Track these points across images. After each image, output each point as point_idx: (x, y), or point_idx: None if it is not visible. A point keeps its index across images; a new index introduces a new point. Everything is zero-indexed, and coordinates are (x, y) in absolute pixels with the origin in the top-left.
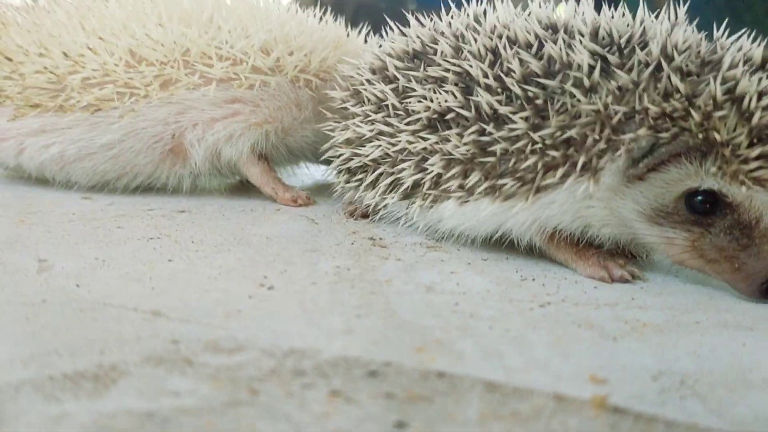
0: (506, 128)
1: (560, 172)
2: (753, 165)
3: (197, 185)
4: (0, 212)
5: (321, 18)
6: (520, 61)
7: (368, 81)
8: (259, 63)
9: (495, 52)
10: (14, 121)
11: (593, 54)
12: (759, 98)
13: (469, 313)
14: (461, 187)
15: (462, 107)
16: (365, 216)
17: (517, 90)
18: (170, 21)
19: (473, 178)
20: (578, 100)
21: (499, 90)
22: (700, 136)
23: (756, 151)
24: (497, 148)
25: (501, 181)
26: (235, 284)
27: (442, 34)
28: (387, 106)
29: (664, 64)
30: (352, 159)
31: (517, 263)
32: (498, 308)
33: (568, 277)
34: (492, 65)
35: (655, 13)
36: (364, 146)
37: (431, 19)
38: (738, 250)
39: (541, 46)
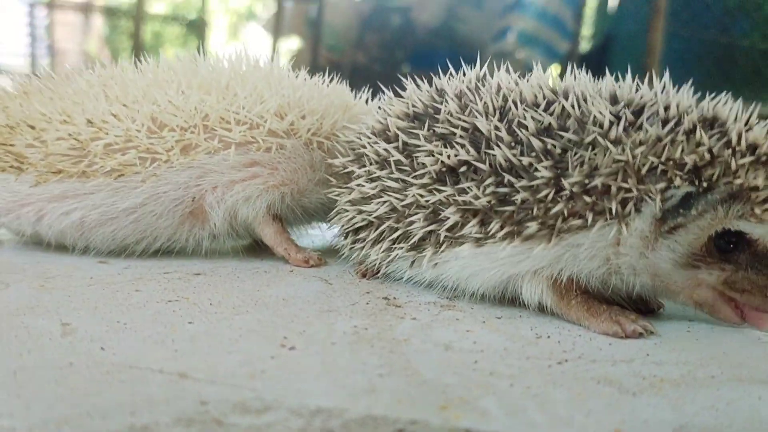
0: (526, 178)
1: (589, 217)
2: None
3: (212, 248)
4: (19, 277)
5: (329, 83)
6: (532, 116)
7: (370, 143)
8: (274, 126)
9: (503, 108)
10: (36, 187)
11: (611, 110)
12: None
13: (488, 371)
14: (479, 232)
15: (476, 160)
16: (376, 274)
17: (535, 142)
18: (189, 88)
19: (494, 225)
20: (600, 153)
21: (512, 143)
22: (736, 182)
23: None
24: (518, 197)
25: (522, 226)
26: (256, 345)
27: (444, 93)
28: (391, 163)
29: (686, 119)
30: (356, 218)
31: (531, 321)
32: (517, 366)
33: (583, 335)
34: (501, 120)
35: (646, 76)
36: (369, 204)
37: (426, 82)
38: (765, 278)
39: (549, 104)
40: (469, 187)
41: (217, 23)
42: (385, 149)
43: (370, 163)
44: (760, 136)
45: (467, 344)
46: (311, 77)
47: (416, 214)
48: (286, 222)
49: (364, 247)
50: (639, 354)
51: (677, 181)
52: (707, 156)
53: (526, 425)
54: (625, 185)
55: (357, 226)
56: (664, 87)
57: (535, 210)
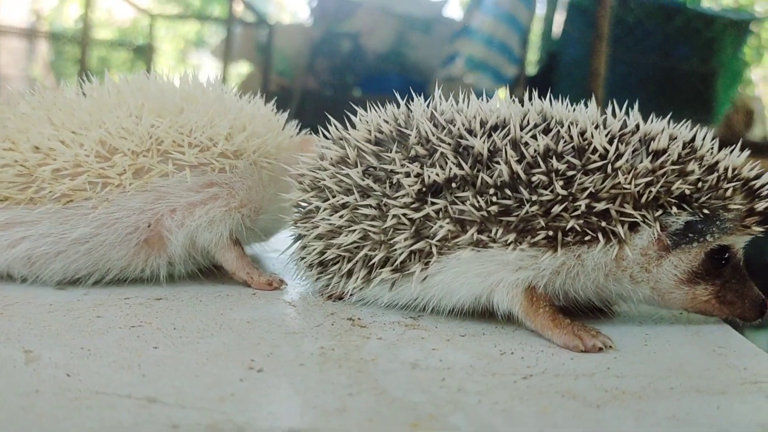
0: (535, 194)
1: (597, 234)
2: (750, 219)
3: (171, 272)
4: None
5: (272, 107)
6: (535, 137)
7: (329, 174)
8: (225, 148)
9: (485, 128)
10: None
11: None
12: (750, 169)
13: (456, 388)
14: (479, 238)
15: (468, 176)
16: (341, 297)
17: (540, 161)
18: (140, 111)
19: (495, 231)
20: (599, 180)
21: (517, 159)
22: (733, 207)
23: (758, 207)
24: (524, 210)
25: (527, 233)
26: (224, 368)
27: (407, 118)
28: (359, 189)
29: (676, 152)
30: (326, 252)
31: (494, 338)
32: (483, 382)
33: (545, 350)
34: (490, 138)
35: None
36: (338, 236)
37: (379, 107)
38: (743, 287)
39: (535, 126)
40: (462, 198)
41: (165, 49)
42: (348, 175)
43: (333, 195)
44: (735, 160)
45: (434, 362)
46: (256, 100)
47: (398, 235)
48: (243, 242)
49: (333, 277)
50: (600, 368)
51: (674, 210)
52: (698, 184)
53: None
54: (624, 210)
55: (327, 259)
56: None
57: (541, 221)
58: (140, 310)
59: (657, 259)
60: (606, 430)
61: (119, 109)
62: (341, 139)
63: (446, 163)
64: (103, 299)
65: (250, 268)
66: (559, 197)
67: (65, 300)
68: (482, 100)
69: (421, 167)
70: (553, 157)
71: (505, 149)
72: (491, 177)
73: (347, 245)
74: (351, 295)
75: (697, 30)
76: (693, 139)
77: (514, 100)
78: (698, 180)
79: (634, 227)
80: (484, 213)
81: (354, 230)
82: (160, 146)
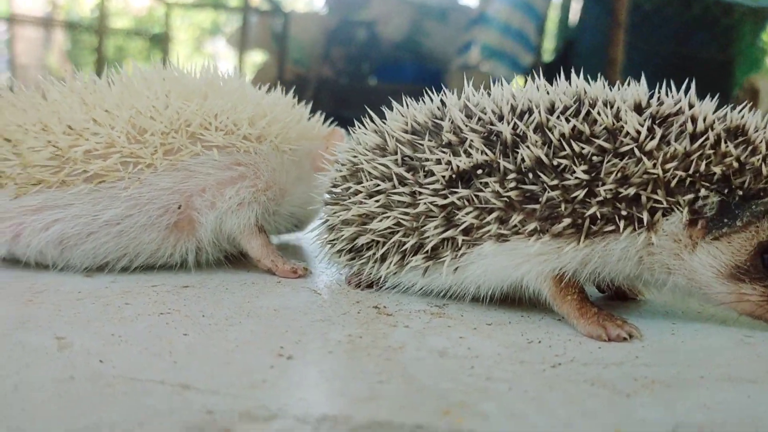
0: (558, 178)
1: (622, 223)
2: None
3: (197, 260)
4: (6, 293)
5: (291, 97)
6: (565, 120)
7: (367, 159)
8: (248, 132)
9: (515, 113)
10: (15, 200)
11: (639, 122)
12: None
13: (485, 376)
14: (500, 229)
15: (492, 162)
16: (370, 286)
17: (566, 145)
18: (168, 95)
19: (515, 220)
20: (632, 164)
21: (540, 143)
22: None
23: None
24: (545, 196)
25: (550, 223)
26: (253, 355)
27: (441, 108)
28: (393, 177)
29: (711, 133)
30: (359, 237)
31: (520, 327)
32: (512, 371)
33: (572, 339)
34: (520, 122)
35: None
36: (372, 221)
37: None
38: None
39: (566, 109)
40: (485, 185)
41: (181, 38)
42: (385, 164)
43: (369, 179)
44: None
45: (461, 350)
46: (277, 91)
47: (429, 222)
48: (274, 230)
49: (366, 263)
50: (629, 357)
51: (703, 192)
52: (735, 164)
53: (528, 428)
54: (654, 196)
55: (359, 244)
56: (688, 97)
57: (564, 208)
58: (168, 298)
59: (691, 246)
60: (637, 418)
61: (147, 93)
62: (378, 131)
63: (474, 150)
64: (131, 287)
65: (275, 255)
66: (582, 182)
67: (93, 287)
68: (510, 85)
69: (452, 155)
70: (579, 140)
71: (529, 133)
72: (514, 162)
73: (381, 230)
74: (384, 281)
75: (715, 17)
76: (741, 122)
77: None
78: (737, 160)
79: (664, 212)
80: (505, 199)
81: (388, 216)
82: (188, 128)
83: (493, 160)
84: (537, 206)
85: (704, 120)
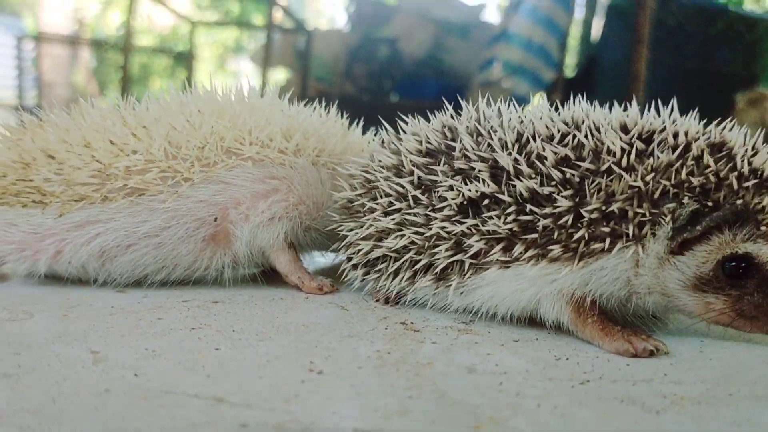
0: (549, 207)
1: (608, 241)
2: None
3: (228, 277)
4: (41, 307)
5: (327, 112)
6: (551, 149)
7: (382, 177)
8: (283, 146)
9: (521, 142)
10: (59, 218)
11: (623, 139)
12: None
13: (514, 392)
14: (504, 256)
15: (498, 192)
16: (397, 302)
17: (554, 173)
18: (202, 113)
19: (517, 248)
20: (615, 180)
21: (533, 175)
22: (739, 202)
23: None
24: (540, 224)
25: (546, 249)
26: (284, 370)
27: (455, 130)
28: (408, 197)
29: (694, 146)
30: (373, 251)
31: (547, 344)
32: (541, 387)
33: (600, 356)
34: (520, 153)
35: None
36: (386, 238)
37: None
38: None
39: (563, 136)
40: (490, 217)
41: (205, 55)
42: (400, 184)
43: (384, 196)
44: (764, 161)
45: (490, 366)
46: (314, 107)
47: (439, 245)
48: (307, 247)
49: (380, 277)
50: (657, 374)
51: (686, 200)
52: (713, 179)
53: None
54: (640, 210)
55: (374, 257)
56: (671, 114)
57: (557, 235)
58: (199, 313)
59: (666, 261)
60: None
61: (183, 111)
62: (394, 149)
63: (480, 180)
64: (162, 302)
65: (302, 272)
66: (569, 207)
67: (126, 303)
68: (522, 107)
69: (462, 182)
70: (567, 166)
71: (525, 165)
72: (514, 194)
73: (395, 248)
74: (402, 296)
75: (739, 32)
76: (724, 137)
77: (551, 107)
78: (715, 174)
79: (651, 225)
80: (508, 230)
81: (403, 234)
82: (222, 143)
83: (495, 191)
84: (535, 235)
85: (686, 134)
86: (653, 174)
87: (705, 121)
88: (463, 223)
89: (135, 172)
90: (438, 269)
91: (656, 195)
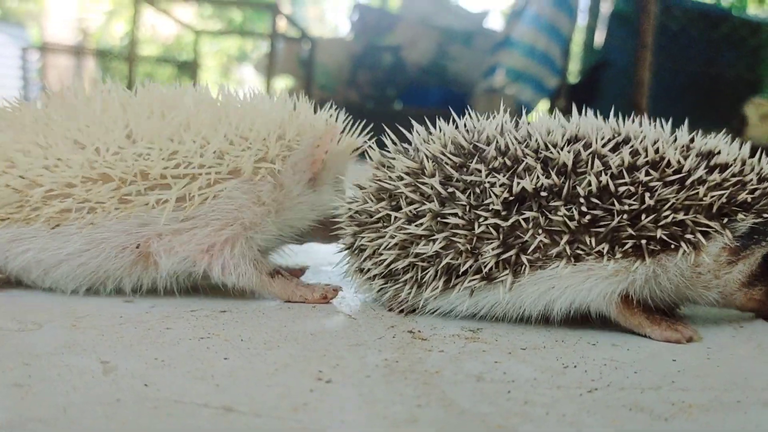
0: (625, 203)
1: (674, 244)
2: None
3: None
4: (49, 317)
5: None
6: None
7: (407, 184)
8: (216, 172)
9: (574, 140)
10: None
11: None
12: None
13: (522, 400)
14: (571, 249)
15: (557, 187)
16: (413, 311)
17: (626, 174)
18: (135, 137)
19: (585, 243)
20: (681, 192)
21: (603, 172)
22: None
23: None
24: (618, 219)
25: (617, 243)
26: (293, 379)
27: (480, 132)
28: (439, 199)
29: (738, 165)
30: (395, 262)
31: (555, 351)
32: (549, 395)
33: (608, 364)
34: (577, 152)
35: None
36: (410, 247)
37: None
38: None
39: (618, 145)
40: (555, 208)
41: (208, 64)
42: (431, 185)
43: (405, 205)
44: None
45: (498, 375)
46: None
47: (485, 244)
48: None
49: (403, 287)
50: (665, 381)
51: (740, 216)
52: (755, 192)
53: None
54: (698, 219)
55: (397, 268)
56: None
57: (630, 231)
58: (207, 322)
59: (727, 265)
60: None
61: (115, 130)
62: (415, 150)
63: (532, 173)
64: (170, 312)
65: (301, 289)
66: (646, 207)
67: (134, 312)
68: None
69: (508, 177)
70: (634, 169)
71: (591, 160)
72: (580, 187)
73: (424, 254)
74: (424, 305)
75: (742, 37)
76: (742, 155)
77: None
78: (756, 188)
79: (706, 236)
80: (576, 223)
81: (435, 239)
82: (146, 181)
83: (555, 184)
84: (603, 229)
85: (728, 154)
86: (712, 191)
87: (724, 131)
88: (517, 215)
89: (51, 197)
90: (487, 269)
91: (714, 209)
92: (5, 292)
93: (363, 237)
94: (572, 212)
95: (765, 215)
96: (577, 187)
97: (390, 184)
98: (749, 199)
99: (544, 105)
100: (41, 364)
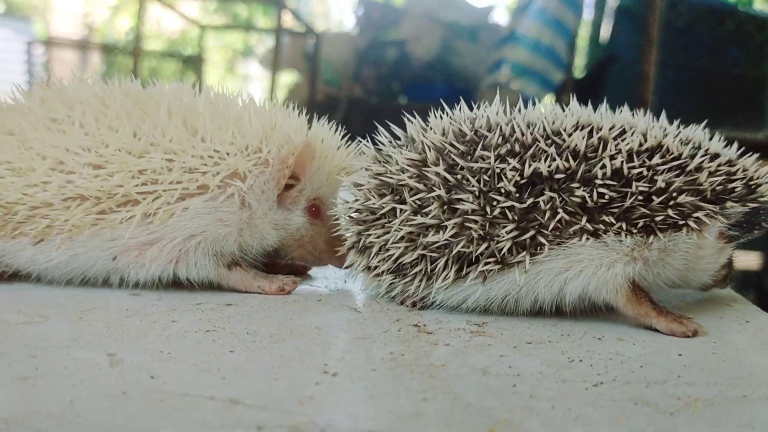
0: (636, 185)
1: (683, 223)
2: None
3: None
4: (56, 311)
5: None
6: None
7: (411, 175)
8: (183, 189)
9: (580, 127)
10: None
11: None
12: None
13: (528, 394)
14: (591, 227)
15: (571, 170)
16: (426, 305)
17: (635, 158)
18: (104, 159)
19: (602, 221)
20: (682, 177)
21: (615, 155)
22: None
23: None
24: (628, 201)
25: (634, 222)
26: (299, 372)
27: (479, 120)
28: (446, 186)
29: (723, 158)
30: (403, 255)
31: (560, 345)
32: (555, 389)
33: (613, 358)
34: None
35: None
36: (423, 236)
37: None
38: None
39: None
40: (568, 191)
41: (214, 59)
42: (437, 173)
43: (410, 195)
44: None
45: (503, 369)
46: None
47: (499, 227)
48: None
49: (412, 281)
50: (670, 375)
51: (729, 204)
52: (745, 181)
53: None
54: (699, 204)
55: (405, 262)
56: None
57: (643, 211)
58: (213, 315)
59: (719, 249)
60: None
61: (79, 159)
62: (411, 141)
63: (547, 157)
64: (176, 304)
65: (259, 280)
66: (657, 189)
67: (140, 305)
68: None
69: (520, 162)
70: (641, 154)
71: (603, 145)
72: (596, 169)
73: (437, 244)
74: (434, 298)
75: (749, 33)
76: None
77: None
78: (745, 178)
79: (708, 218)
80: (593, 204)
81: (445, 227)
82: (114, 198)
83: (570, 168)
84: (617, 210)
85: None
86: (710, 177)
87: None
88: (534, 197)
89: (34, 215)
90: (503, 252)
91: (710, 196)
92: (11, 284)
93: (369, 234)
94: (591, 193)
95: (751, 204)
96: (592, 169)
97: (392, 177)
98: (738, 189)
99: (549, 100)
100: (47, 357)
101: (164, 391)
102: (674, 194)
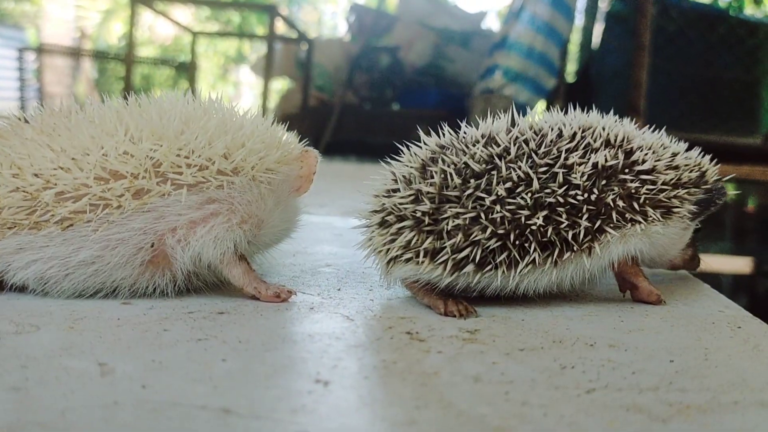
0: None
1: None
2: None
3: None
4: (47, 320)
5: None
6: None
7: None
8: (223, 166)
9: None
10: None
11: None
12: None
13: (520, 401)
14: (639, 217)
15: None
16: (465, 313)
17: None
18: (140, 135)
19: (641, 209)
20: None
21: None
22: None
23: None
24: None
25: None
26: (291, 381)
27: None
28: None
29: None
30: (490, 241)
31: (553, 352)
32: (547, 396)
33: (605, 365)
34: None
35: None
36: (482, 221)
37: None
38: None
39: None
40: (625, 182)
41: (206, 66)
42: (528, 164)
43: (501, 183)
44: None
45: (495, 376)
46: (258, 118)
47: (578, 214)
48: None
49: (496, 270)
50: (663, 382)
51: (693, 190)
52: (701, 174)
53: None
54: (676, 194)
55: (492, 246)
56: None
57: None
58: (204, 324)
59: (684, 228)
60: None
61: (119, 133)
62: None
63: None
64: (168, 313)
65: (258, 282)
66: (671, 181)
67: (132, 314)
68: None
69: (581, 156)
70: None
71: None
72: (637, 166)
73: (530, 229)
74: (485, 291)
75: (740, 38)
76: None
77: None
78: (700, 169)
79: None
80: (636, 193)
81: (537, 215)
82: (158, 168)
83: (620, 162)
84: (643, 201)
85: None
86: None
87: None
88: (610, 186)
89: (65, 198)
90: (579, 239)
91: (685, 185)
92: (1, 294)
93: (460, 214)
94: (636, 185)
95: (704, 187)
96: (635, 166)
97: (470, 169)
98: (695, 177)
99: (541, 106)
100: (39, 367)
101: (156, 400)
102: (670, 188)
